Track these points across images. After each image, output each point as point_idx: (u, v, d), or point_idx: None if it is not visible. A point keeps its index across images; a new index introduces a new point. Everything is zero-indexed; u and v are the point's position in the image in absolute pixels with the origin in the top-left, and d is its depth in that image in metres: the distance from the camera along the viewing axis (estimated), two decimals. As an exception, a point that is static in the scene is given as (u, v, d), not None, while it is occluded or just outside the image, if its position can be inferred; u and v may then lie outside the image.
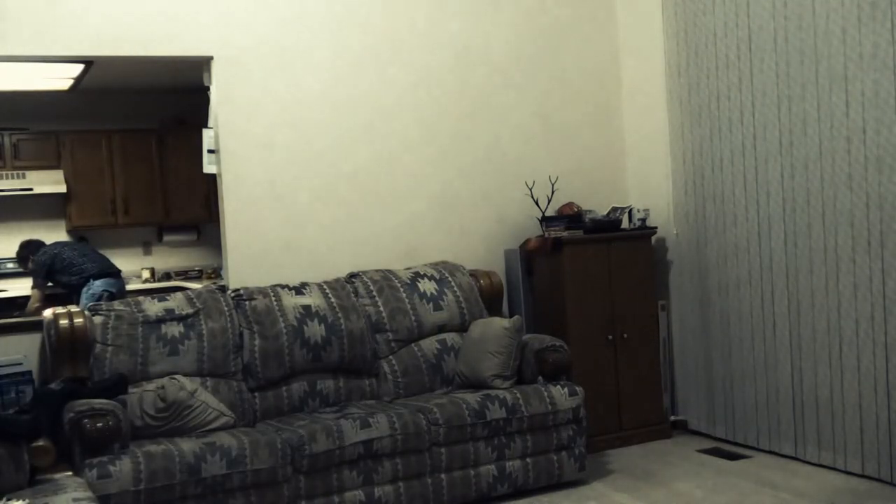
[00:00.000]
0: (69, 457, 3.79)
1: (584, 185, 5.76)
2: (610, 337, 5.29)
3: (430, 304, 4.93)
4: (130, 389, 4.14)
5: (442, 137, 5.45)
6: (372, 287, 4.90)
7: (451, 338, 4.94)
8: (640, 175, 5.83)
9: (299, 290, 4.73)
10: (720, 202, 5.16)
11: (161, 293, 4.75)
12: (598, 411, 5.10)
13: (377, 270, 5.03)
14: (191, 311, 4.47)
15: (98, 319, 4.31)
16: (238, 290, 4.69)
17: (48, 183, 7.98)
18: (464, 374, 4.76)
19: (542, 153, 5.70)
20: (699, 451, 5.14)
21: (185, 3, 4.81)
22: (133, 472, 3.63)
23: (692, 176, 5.37)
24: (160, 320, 4.38)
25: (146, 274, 8.53)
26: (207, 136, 5.00)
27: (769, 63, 4.75)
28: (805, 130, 4.59)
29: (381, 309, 4.84)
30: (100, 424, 3.67)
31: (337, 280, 4.94)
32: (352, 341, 4.65)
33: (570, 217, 5.40)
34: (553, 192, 5.51)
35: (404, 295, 4.91)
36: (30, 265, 7.05)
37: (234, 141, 4.93)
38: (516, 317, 4.81)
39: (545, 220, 5.40)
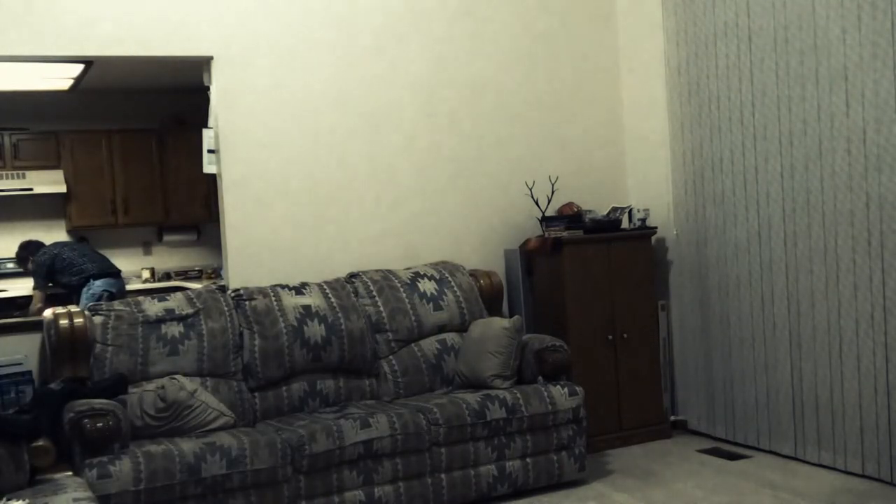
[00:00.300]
0: (69, 457, 3.79)
1: (584, 185, 5.76)
2: (610, 337, 5.29)
3: (430, 304, 4.93)
4: (130, 389, 4.14)
5: (442, 137, 5.45)
6: (372, 287, 4.90)
7: (451, 338, 4.94)
8: (640, 175, 5.84)
9: (299, 290, 4.73)
10: (720, 202, 5.16)
11: (161, 293, 4.76)
12: (598, 411, 5.10)
13: (377, 270, 5.03)
14: (191, 311, 4.47)
15: (98, 319, 4.32)
16: (238, 290, 4.69)
17: (48, 183, 7.98)
18: (464, 374, 4.76)
19: (542, 153, 5.70)
20: (699, 451, 5.14)
21: (185, 3, 4.81)
22: (133, 472, 3.63)
23: (692, 176, 5.37)
24: (160, 320, 4.38)
25: (146, 274, 8.53)
26: (207, 136, 5.00)
27: (769, 63, 4.75)
28: (805, 130, 4.59)
29: (381, 309, 4.84)
30: (100, 424, 3.67)
31: (337, 280, 4.94)
32: (352, 341, 4.65)
33: (570, 217, 5.40)
34: (553, 192, 5.51)
35: (404, 295, 4.91)
36: (30, 266, 7.05)
37: (234, 141, 4.93)
38: (516, 317, 4.81)
39: (545, 220, 5.40)
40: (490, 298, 5.20)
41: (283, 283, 4.79)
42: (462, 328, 4.98)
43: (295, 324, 4.55)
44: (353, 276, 5.00)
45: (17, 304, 7.29)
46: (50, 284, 6.94)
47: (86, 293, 6.69)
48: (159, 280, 8.51)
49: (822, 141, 4.50)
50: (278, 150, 5.03)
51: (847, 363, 4.45)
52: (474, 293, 5.11)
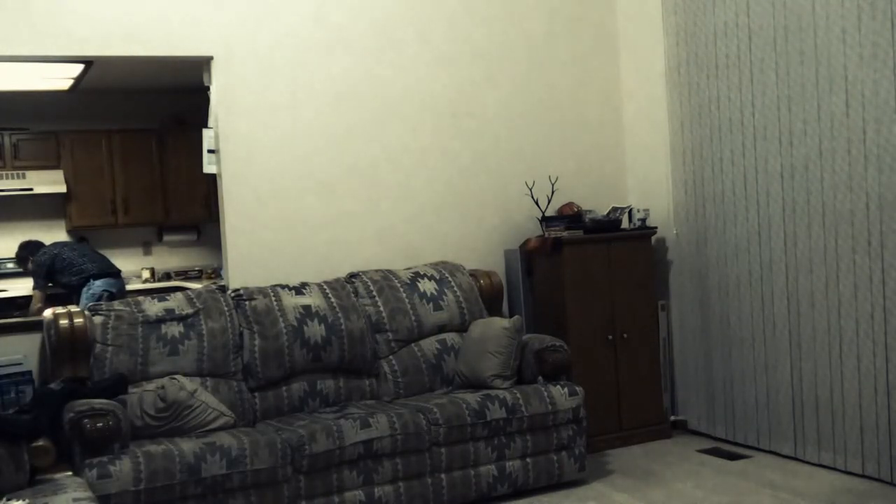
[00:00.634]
0: (69, 457, 3.79)
1: (584, 185, 5.76)
2: (610, 337, 5.29)
3: (430, 304, 4.93)
4: (130, 389, 4.14)
5: (442, 137, 5.45)
6: (372, 287, 4.90)
7: (451, 338, 4.94)
8: (640, 175, 5.84)
9: (299, 290, 4.73)
10: (720, 202, 5.16)
11: (161, 293, 4.75)
12: (598, 411, 5.10)
13: (377, 270, 5.03)
14: (191, 311, 4.47)
15: (98, 319, 4.31)
16: (238, 290, 4.69)
17: (48, 183, 7.98)
18: (464, 374, 4.76)
19: (542, 153, 5.70)
20: (699, 451, 5.14)
21: (185, 3, 4.81)
22: (133, 472, 3.63)
23: (692, 176, 5.37)
24: (160, 320, 4.38)
25: (146, 274, 8.53)
26: (207, 136, 5.00)
27: (769, 63, 4.75)
28: (805, 130, 4.59)
29: (381, 309, 4.84)
30: (100, 424, 3.67)
31: (337, 280, 4.94)
32: (352, 341, 4.65)
33: (570, 217, 5.40)
34: (553, 192, 5.51)
35: (404, 295, 4.91)
36: (29, 266, 7.05)
37: (234, 141, 4.93)
38: (516, 317, 4.81)
39: (545, 220, 5.40)
40: (490, 298, 5.20)
41: (283, 283, 4.79)
42: (462, 328, 4.98)
43: (295, 324, 4.55)
44: (353, 276, 5.00)
45: (17, 304, 7.30)
46: (50, 284, 6.94)
47: (86, 293, 6.69)
48: (159, 280, 8.52)
49: (822, 141, 4.50)
50: (278, 150, 5.03)
51: (847, 363, 4.45)
52: (474, 293, 5.11)
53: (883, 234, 4.22)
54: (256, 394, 4.47)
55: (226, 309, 4.55)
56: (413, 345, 4.87)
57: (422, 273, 5.06)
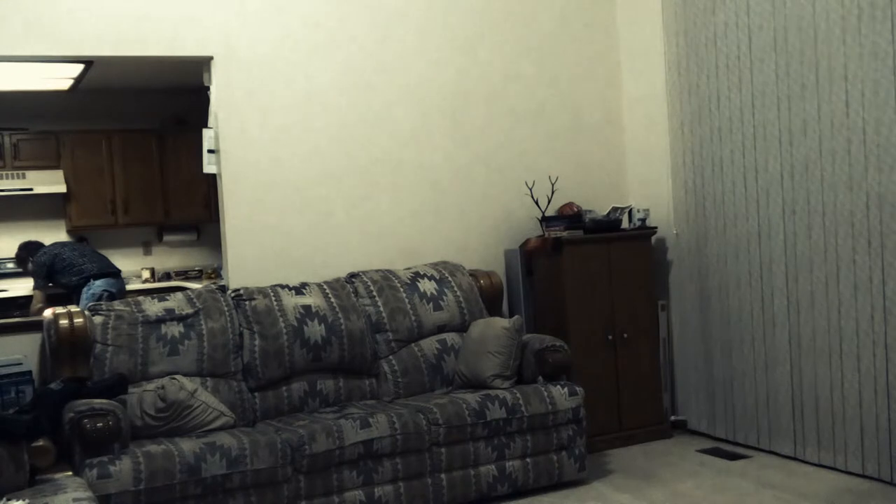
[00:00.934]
0: (69, 457, 3.79)
1: (584, 185, 5.77)
2: (610, 337, 5.29)
3: (430, 304, 4.93)
4: (130, 389, 4.14)
5: (442, 138, 5.45)
6: (372, 287, 4.90)
7: (451, 338, 4.94)
8: (640, 175, 5.83)
9: (299, 290, 4.73)
10: (720, 202, 5.16)
11: (161, 293, 4.76)
12: (598, 411, 5.10)
13: (377, 270, 5.03)
14: (191, 311, 4.47)
15: (98, 319, 4.31)
16: (238, 290, 4.69)
17: (48, 183, 7.98)
18: (464, 374, 4.76)
19: (542, 153, 5.71)
20: (699, 451, 5.14)
21: (185, 3, 4.81)
22: (133, 472, 3.63)
23: (692, 176, 5.37)
24: (160, 320, 4.38)
25: (146, 274, 8.53)
26: (207, 136, 5.00)
27: (769, 63, 4.75)
28: (805, 130, 4.59)
29: (381, 309, 4.84)
30: (100, 424, 3.67)
31: (337, 280, 4.94)
32: (352, 341, 4.65)
33: (570, 217, 5.40)
34: (553, 192, 5.51)
35: (404, 295, 4.91)
36: (29, 266, 7.05)
37: (234, 141, 4.93)
38: (516, 317, 4.81)
39: (545, 220, 5.40)
40: (490, 298, 5.20)
41: (283, 283, 4.79)
42: (462, 328, 4.98)
43: (295, 324, 4.55)
44: (353, 276, 5.00)
45: (18, 304, 7.30)
46: (50, 284, 6.93)
47: (86, 293, 6.68)
48: (159, 280, 8.52)
49: (822, 141, 4.50)
50: (278, 151, 5.03)
51: (847, 363, 4.45)
52: (474, 293, 5.11)
53: (883, 234, 4.22)
54: (256, 394, 4.47)
55: (226, 309, 4.55)
56: (413, 345, 4.87)
57: (422, 273, 5.06)
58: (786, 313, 4.78)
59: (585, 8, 5.85)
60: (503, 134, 5.61)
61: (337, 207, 5.18)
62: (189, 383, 4.15)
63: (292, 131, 5.07)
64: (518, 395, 4.49)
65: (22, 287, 7.61)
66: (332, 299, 4.73)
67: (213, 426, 4.08)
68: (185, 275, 8.63)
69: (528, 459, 4.49)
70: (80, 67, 6.43)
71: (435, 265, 5.19)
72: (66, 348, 4.20)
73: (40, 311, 6.07)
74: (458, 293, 5.04)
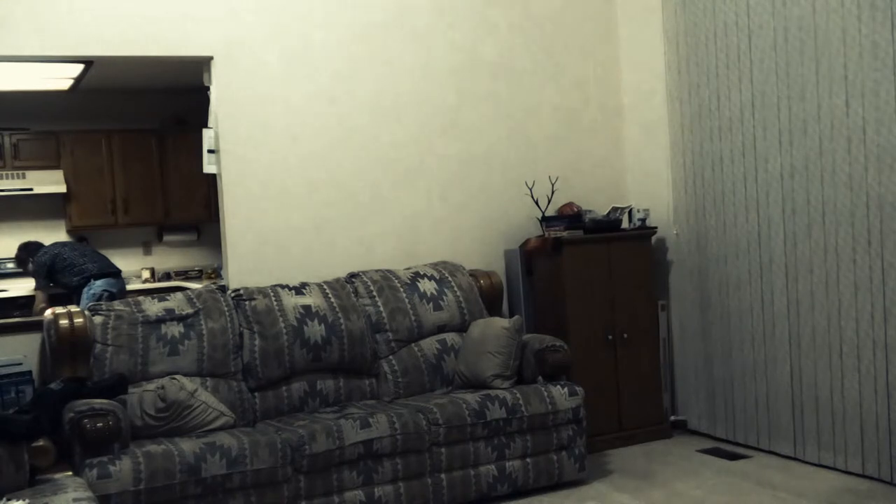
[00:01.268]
0: (69, 457, 3.79)
1: (584, 185, 5.77)
2: (610, 337, 5.29)
3: (430, 304, 4.93)
4: (130, 389, 4.14)
5: (442, 137, 5.45)
6: (372, 287, 4.90)
7: (451, 338, 4.94)
8: (640, 175, 5.83)
9: (299, 290, 4.73)
10: (720, 202, 5.16)
11: (161, 293, 4.76)
12: (598, 411, 5.09)
13: (377, 270, 5.03)
14: (191, 311, 4.47)
15: (98, 319, 4.31)
16: (238, 290, 4.69)
17: (48, 183, 7.97)
18: (464, 374, 4.76)
19: (542, 153, 5.71)
20: (699, 451, 5.14)
21: (185, 3, 4.81)
22: (133, 472, 3.63)
23: (692, 176, 5.37)
24: (160, 320, 4.38)
25: (146, 274, 8.53)
26: (207, 136, 5.00)
27: (769, 63, 4.75)
28: (805, 130, 4.59)
29: (381, 309, 4.84)
30: (100, 424, 3.67)
31: (337, 280, 4.94)
32: (352, 341, 4.65)
33: (570, 217, 5.40)
34: (553, 192, 5.51)
35: (404, 295, 4.91)
36: (30, 266, 7.05)
37: (234, 141, 4.93)
38: (516, 317, 4.81)
39: (545, 220, 5.40)
40: (490, 298, 5.20)
41: (283, 283, 4.79)
42: (462, 328, 4.98)
43: (295, 324, 4.55)
44: (353, 276, 5.00)
45: (18, 304, 7.30)
46: (51, 284, 6.93)
47: (86, 293, 6.68)
48: (159, 280, 8.52)
49: (822, 141, 4.50)
50: (278, 150, 5.03)
51: (847, 363, 4.45)
52: (474, 293, 5.11)
53: (883, 234, 4.22)
54: (256, 394, 4.47)
55: (226, 309, 4.55)
56: (413, 345, 4.87)
57: (422, 273, 5.06)
58: (786, 313, 4.78)
59: (585, 8, 5.85)
60: (503, 134, 5.61)
61: (337, 207, 5.18)
62: (189, 383, 4.15)
63: (292, 131, 5.07)
64: (518, 395, 4.49)
65: (22, 287, 7.61)
66: (332, 299, 4.73)
67: (213, 426, 4.08)
68: (185, 275, 8.63)
69: (528, 459, 4.49)
70: (80, 67, 6.43)
71: (435, 265, 5.19)
72: (66, 348, 4.20)
73: (43, 311, 6.07)
74: (458, 293, 5.04)
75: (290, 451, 3.95)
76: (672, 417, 5.58)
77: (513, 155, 5.63)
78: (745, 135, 4.95)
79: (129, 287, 7.51)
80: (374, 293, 4.88)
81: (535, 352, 4.70)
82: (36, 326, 4.50)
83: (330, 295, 4.75)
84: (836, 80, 4.39)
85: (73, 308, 4.36)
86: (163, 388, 4.08)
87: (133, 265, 8.50)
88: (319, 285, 4.81)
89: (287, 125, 5.06)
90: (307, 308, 4.63)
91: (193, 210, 8.54)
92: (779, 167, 4.75)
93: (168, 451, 3.74)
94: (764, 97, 4.81)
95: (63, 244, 7.22)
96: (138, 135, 8.48)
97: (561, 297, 5.21)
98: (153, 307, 4.44)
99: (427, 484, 4.26)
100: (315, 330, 4.58)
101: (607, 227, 5.37)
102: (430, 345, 4.89)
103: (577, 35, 5.83)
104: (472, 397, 4.44)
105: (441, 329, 4.95)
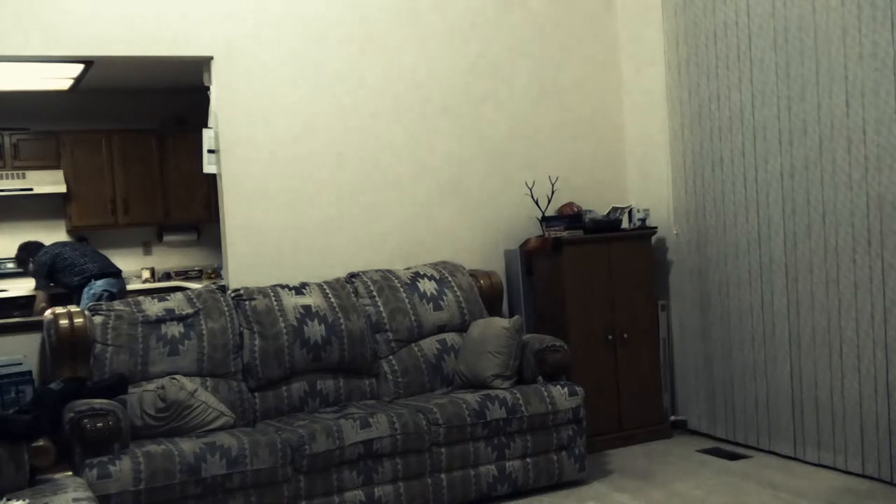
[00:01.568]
0: (69, 457, 3.79)
1: (584, 185, 5.77)
2: (610, 337, 5.29)
3: (430, 304, 4.93)
4: (130, 389, 4.14)
5: (442, 137, 5.45)
6: (372, 287, 4.90)
7: (451, 338, 4.94)
8: (640, 175, 5.83)
9: (299, 290, 4.73)
10: (720, 202, 5.16)
11: (161, 293, 4.76)
12: (598, 411, 5.09)
13: (377, 270, 5.03)
14: (191, 311, 4.47)
15: (98, 319, 4.31)
16: (238, 290, 4.69)
17: (48, 183, 7.97)
18: (464, 374, 4.76)
19: (542, 153, 5.70)
20: (699, 451, 5.14)
21: (185, 3, 4.81)
22: (133, 472, 3.63)
23: (692, 176, 5.37)
24: (160, 320, 4.38)
25: (146, 274, 8.53)
26: (207, 136, 5.00)
27: (769, 63, 4.75)
28: (805, 130, 4.59)
29: (381, 309, 4.84)
30: (100, 424, 3.67)
31: (337, 280, 4.94)
32: (352, 341, 4.65)
33: (570, 217, 5.40)
34: (553, 192, 5.51)
35: (404, 295, 4.91)
36: (30, 266, 7.05)
37: (234, 141, 4.93)
38: (516, 317, 4.81)
39: (545, 220, 5.40)
40: (490, 298, 5.20)
41: (283, 283, 4.79)
42: (462, 328, 4.98)
43: (295, 324, 4.55)
44: (353, 276, 5.00)
45: (18, 304, 7.29)
46: (51, 284, 6.93)
47: (87, 293, 6.69)
48: (159, 280, 8.52)
49: (822, 141, 4.50)
50: (278, 150, 5.03)
51: (847, 363, 4.45)
52: (474, 293, 5.11)
53: (883, 234, 4.22)
54: (256, 394, 4.47)
55: (226, 309, 4.55)
56: (413, 345, 4.87)
57: (422, 273, 5.06)
58: (786, 313, 4.78)
59: (585, 8, 5.85)
60: (503, 134, 5.61)
61: (337, 207, 5.18)
62: (189, 383, 4.15)
63: (292, 131, 5.07)
64: (518, 395, 4.49)
65: (22, 287, 7.61)
66: (332, 299, 4.73)
67: (213, 426, 4.08)
68: (185, 275, 8.63)
69: (528, 459, 4.49)
70: (80, 67, 6.43)
71: (435, 265, 5.19)
72: (66, 348, 4.20)
73: (43, 310, 6.07)
74: (458, 293, 5.04)
75: (290, 451, 3.95)
76: (672, 417, 5.58)
77: (513, 155, 5.63)
78: (744, 135, 4.95)
79: (129, 287, 7.51)
80: (374, 293, 4.88)
81: (535, 352, 4.70)
82: (36, 326, 4.50)
83: (330, 295, 4.75)
84: (836, 80, 4.39)
85: (73, 308, 4.36)
86: (163, 388, 4.08)
87: (133, 265, 8.50)
88: (319, 285, 4.81)
89: (287, 125, 5.06)
90: (307, 308, 4.63)
91: (193, 210, 8.54)
92: (779, 167, 4.75)
93: (168, 451, 3.75)
94: (764, 97, 4.81)
95: (63, 244, 7.22)
96: (138, 135, 8.48)
97: (561, 297, 5.21)
98: (153, 307, 4.44)
99: (427, 484, 4.26)
100: (315, 330, 4.58)
101: (607, 227, 5.37)
102: (430, 345, 4.89)
103: (577, 35, 5.83)
104: (472, 397, 4.44)
105: (441, 329, 4.95)
